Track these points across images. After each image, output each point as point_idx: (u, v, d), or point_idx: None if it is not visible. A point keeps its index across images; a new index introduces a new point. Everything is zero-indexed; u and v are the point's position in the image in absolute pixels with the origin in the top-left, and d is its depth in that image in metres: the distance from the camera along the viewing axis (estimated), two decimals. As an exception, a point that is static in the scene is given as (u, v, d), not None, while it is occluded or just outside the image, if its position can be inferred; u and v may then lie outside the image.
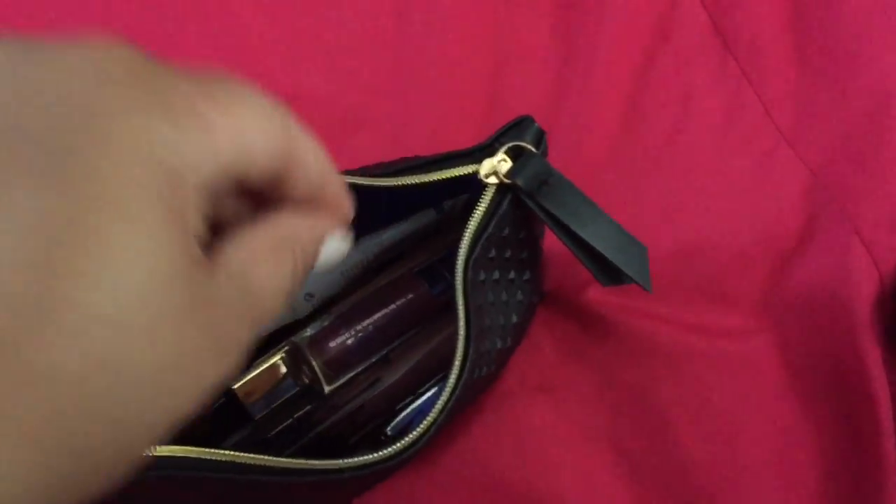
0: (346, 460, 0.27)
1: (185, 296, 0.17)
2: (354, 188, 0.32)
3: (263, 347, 0.35)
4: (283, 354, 0.35)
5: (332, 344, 0.35)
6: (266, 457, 0.26)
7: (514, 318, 0.34)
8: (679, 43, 0.54)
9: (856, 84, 0.51)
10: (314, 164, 0.21)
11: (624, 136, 0.52)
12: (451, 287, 0.30)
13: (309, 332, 0.34)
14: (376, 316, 0.36)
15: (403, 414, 0.35)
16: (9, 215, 0.14)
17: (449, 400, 0.28)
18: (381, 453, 0.27)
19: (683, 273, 0.49)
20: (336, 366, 0.35)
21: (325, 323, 0.35)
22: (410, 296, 0.37)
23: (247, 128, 0.18)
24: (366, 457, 0.27)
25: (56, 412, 0.14)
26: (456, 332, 0.29)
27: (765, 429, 0.45)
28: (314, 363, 0.34)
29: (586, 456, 0.46)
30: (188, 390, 0.17)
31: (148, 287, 0.16)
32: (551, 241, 0.48)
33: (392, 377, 0.34)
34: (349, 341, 0.35)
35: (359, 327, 0.35)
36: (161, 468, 0.24)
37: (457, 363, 0.28)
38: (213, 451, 0.25)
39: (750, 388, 0.46)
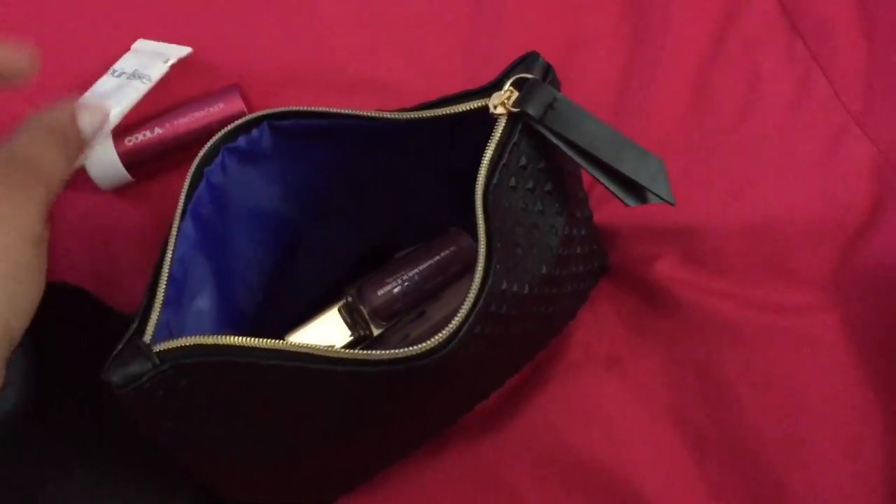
0: (378, 352, 0.29)
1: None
2: (376, 121, 0.35)
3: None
4: (341, 306, 0.37)
5: (379, 292, 0.37)
6: (299, 343, 0.28)
7: (555, 246, 0.35)
8: (747, 24, 0.55)
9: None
10: None
11: (692, 116, 0.53)
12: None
13: (357, 283, 0.37)
14: (422, 266, 0.38)
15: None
16: None
17: (477, 299, 0.30)
18: (409, 349, 0.29)
19: (751, 250, 0.49)
20: (383, 313, 0.37)
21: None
22: (454, 247, 0.39)
23: None
24: (396, 350, 0.29)
25: None
26: (478, 243, 0.31)
27: (830, 404, 0.45)
28: (362, 309, 0.37)
29: (651, 427, 0.46)
30: None
31: None
32: (612, 212, 0.49)
33: (440, 312, 0.36)
34: (395, 290, 0.37)
35: (404, 276, 0.38)
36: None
37: (479, 267, 0.30)
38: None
39: (816, 365, 0.46)
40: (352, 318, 0.38)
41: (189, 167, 0.50)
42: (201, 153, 0.37)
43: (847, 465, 0.44)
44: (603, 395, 0.47)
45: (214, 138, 0.37)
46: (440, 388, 0.34)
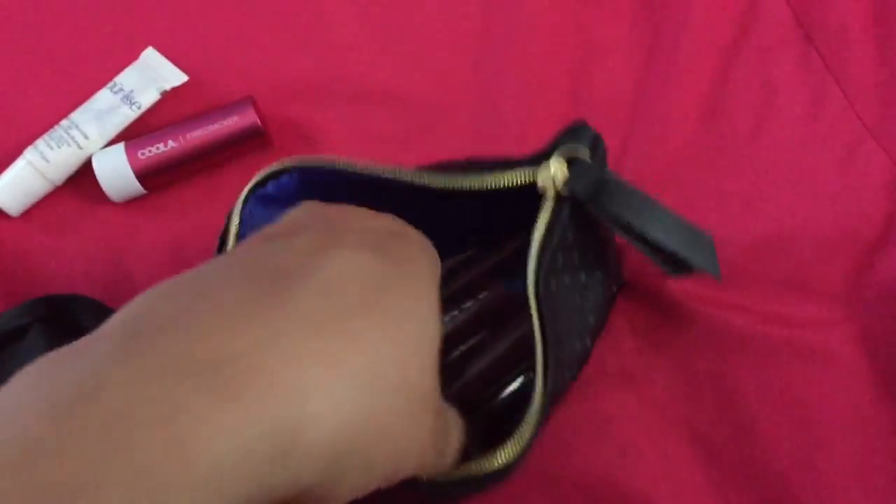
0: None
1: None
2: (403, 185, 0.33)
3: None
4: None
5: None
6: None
7: (591, 320, 0.35)
8: (761, 36, 0.54)
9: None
10: None
11: (706, 129, 0.53)
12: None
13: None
14: (450, 315, 0.38)
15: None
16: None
17: (542, 414, 0.29)
18: (476, 468, 0.28)
19: (765, 264, 0.49)
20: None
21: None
22: (485, 293, 0.39)
23: None
24: (461, 472, 0.28)
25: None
26: (534, 344, 0.30)
27: (844, 420, 0.45)
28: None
29: (665, 443, 0.47)
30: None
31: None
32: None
33: (471, 370, 0.36)
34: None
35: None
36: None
37: (539, 379, 0.29)
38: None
39: (830, 379, 0.46)
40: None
41: (202, 180, 0.50)
42: (234, 210, 0.35)
43: (861, 481, 0.45)
44: (616, 411, 0.48)
45: (245, 190, 0.36)
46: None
